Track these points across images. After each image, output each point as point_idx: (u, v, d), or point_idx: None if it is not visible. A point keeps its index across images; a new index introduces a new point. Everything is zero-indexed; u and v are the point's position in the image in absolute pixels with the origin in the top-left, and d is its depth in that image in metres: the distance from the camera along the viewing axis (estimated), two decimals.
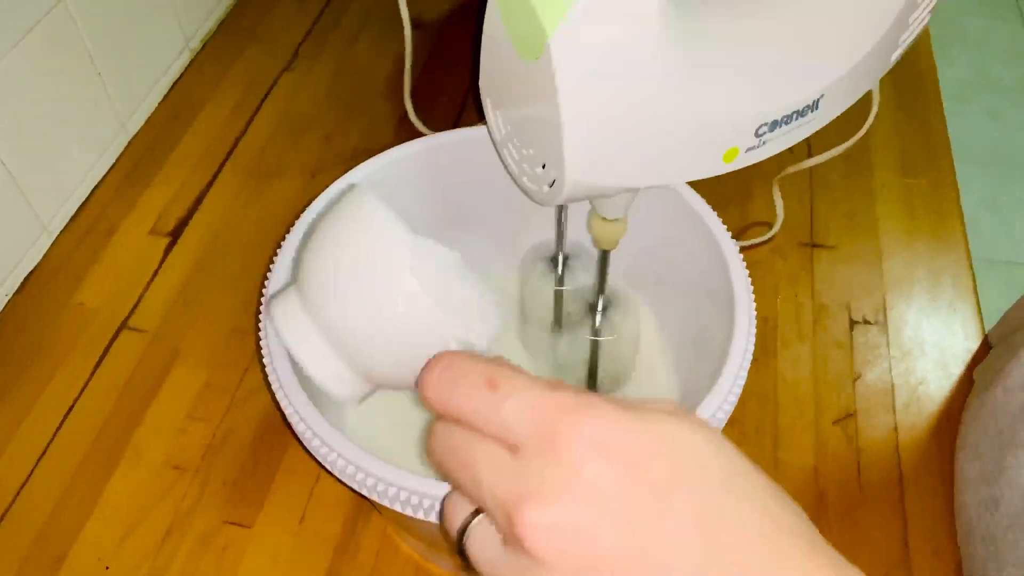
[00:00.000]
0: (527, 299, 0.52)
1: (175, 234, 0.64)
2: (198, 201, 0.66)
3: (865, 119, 0.60)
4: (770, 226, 0.63)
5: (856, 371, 0.56)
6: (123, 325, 0.58)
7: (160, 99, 0.73)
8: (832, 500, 0.50)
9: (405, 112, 0.66)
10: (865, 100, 0.44)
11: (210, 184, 0.67)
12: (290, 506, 0.50)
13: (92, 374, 0.56)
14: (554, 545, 0.23)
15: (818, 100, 0.36)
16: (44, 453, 0.52)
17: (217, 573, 0.48)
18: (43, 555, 0.48)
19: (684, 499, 0.23)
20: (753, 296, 0.40)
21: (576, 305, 0.48)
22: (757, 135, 0.35)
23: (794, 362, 0.56)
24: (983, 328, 0.59)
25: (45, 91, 0.60)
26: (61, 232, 0.64)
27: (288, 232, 0.43)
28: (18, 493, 0.51)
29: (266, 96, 0.74)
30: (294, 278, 0.40)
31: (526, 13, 0.30)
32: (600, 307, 0.46)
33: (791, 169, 0.61)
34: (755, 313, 0.40)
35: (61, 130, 0.62)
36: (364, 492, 0.34)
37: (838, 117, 0.38)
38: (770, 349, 0.57)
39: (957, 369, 0.56)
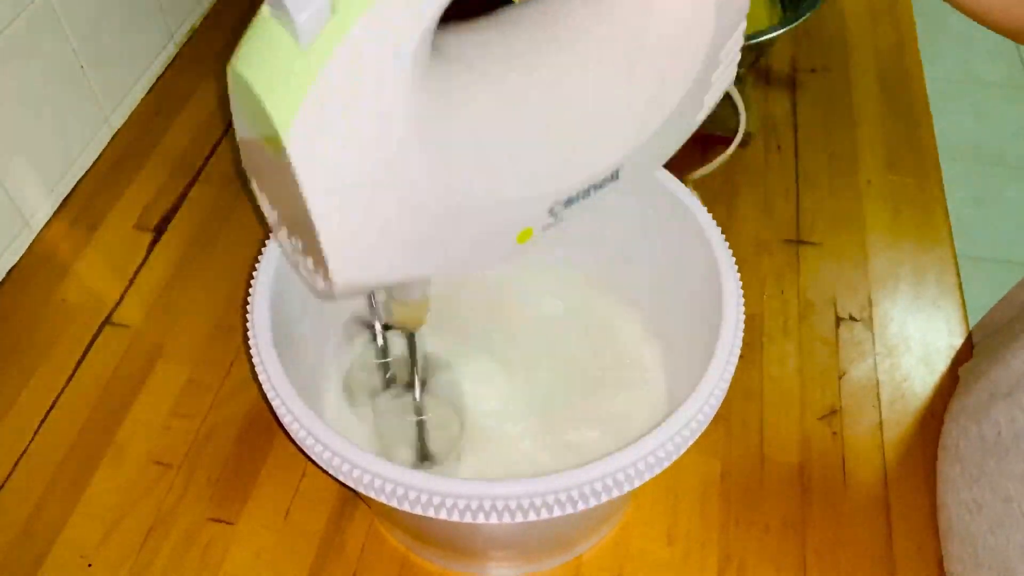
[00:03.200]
0: (349, 368, 0.49)
1: (159, 229, 0.63)
2: (182, 196, 0.65)
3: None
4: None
5: (841, 368, 0.56)
6: (106, 321, 0.58)
7: (144, 93, 0.72)
8: (817, 496, 0.50)
9: None
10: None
11: (195, 179, 0.66)
12: (274, 503, 0.50)
13: (75, 370, 0.55)
14: None
15: (618, 170, 0.33)
16: (26, 450, 0.52)
17: (201, 570, 0.47)
18: (24, 552, 0.48)
19: None
20: (742, 293, 0.40)
21: (403, 373, 0.45)
22: (551, 213, 0.32)
23: (780, 358, 0.56)
24: (967, 325, 0.59)
25: (27, 84, 0.59)
26: (43, 227, 0.63)
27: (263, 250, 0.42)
28: None
29: None
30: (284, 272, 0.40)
31: (256, 108, 0.27)
32: (418, 385, 0.43)
33: (699, 173, 0.61)
34: (743, 310, 0.40)
35: (43, 124, 0.62)
36: (351, 484, 0.34)
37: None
38: (756, 345, 0.57)
39: (941, 365, 0.56)
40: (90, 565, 0.48)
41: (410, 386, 0.43)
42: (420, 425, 0.44)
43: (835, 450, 0.52)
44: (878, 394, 0.55)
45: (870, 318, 0.59)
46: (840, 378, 0.56)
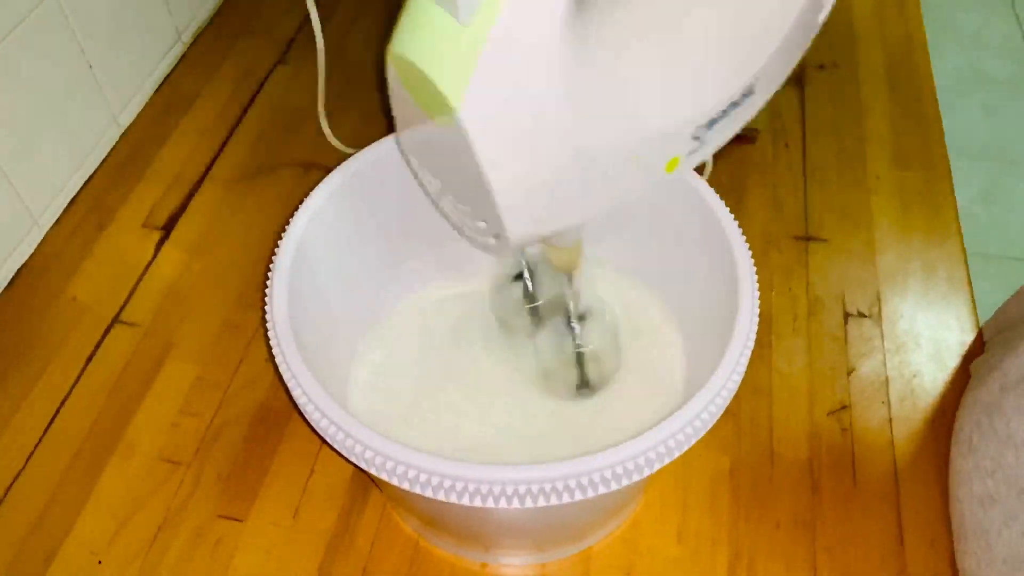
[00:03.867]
0: (502, 314, 0.51)
1: (167, 228, 0.63)
2: (191, 195, 0.65)
3: None
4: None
5: (850, 364, 0.56)
6: (115, 319, 0.58)
7: (152, 92, 0.72)
8: (827, 492, 0.50)
9: None
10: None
11: (203, 178, 0.67)
12: (284, 499, 0.50)
13: (84, 368, 0.56)
14: None
15: (752, 85, 0.34)
16: (36, 447, 0.52)
17: (210, 567, 0.48)
18: (35, 549, 0.48)
19: None
20: (757, 287, 0.40)
21: (552, 313, 0.48)
22: (696, 138, 0.34)
23: (789, 355, 0.56)
24: (977, 321, 0.59)
25: (35, 84, 0.59)
26: (52, 226, 0.63)
27: (286, 226, 0.43)
28: (10, 487, 0.50)
29: (259, 89, 0.73)
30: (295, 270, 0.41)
31: (428, 87, 0.29)
32: (577, 319, 0.46)
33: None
34: (759, 305, 0.40)
35: (52, 123, 0.62)
36: (366, 467, 0.35)
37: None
38: (765, 342, 0.57)
39: (952, 362, 0.56)
40: (100, 562, 0.48)
41: (569, 324, 0.46)
42: (581, 356, 0.47)
43: (845, 446, 0.52)
44: (888, 390, 0.55)
45: (879, 314, 0.59)
46: (849, 374, 0.55)
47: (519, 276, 0.49)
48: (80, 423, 0.53)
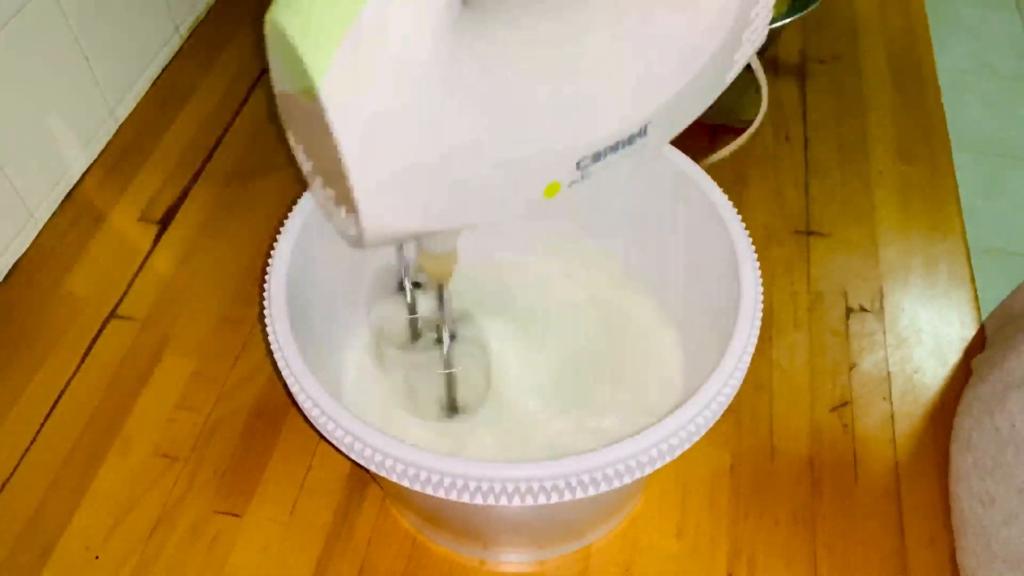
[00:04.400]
0: (378, 322, 0.49)
1: (164, 222, 0.63)
2: (187, 189, 0.65)
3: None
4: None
5: (852, 359, 0.56)
6: (112, 313, 0.58)
7: (149, 85, 0.72)
8: (828, 488, 0.50)
9: None
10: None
11: (200, 171, 0.66)
12: (281, 495, 0.50)
13: (81, 363, 0.55)
14: None
15: (645, 126, 0.33)
16: (32, 442, 0.52)
17: (207, 563, 0.47)
18: (31, 544, 0.48)
19: None
20: (761, 284, 0.39)
21: (432, 328, 0.46)
22: (579, 167, 0.32)
23: (790, 350, 0.56)
24: (979, 317, 0.58)
25: (31, 77, 0.59)
26: (49, 220, 0.63)
27: (284, 220, 0.42)
28: (6, 482, 0.50)
29: (256, 82, 0.73)
30: (295, 267, 0.40)
31: (293, 56, 0.27)
32: (447, 339, 0.44)
33: (713, 158, 0.60)
34: (762, 301, 0.39)
35: (48, 116, 0.61)
36: (365, 464, 0.34)
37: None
38: (765, 337, 0.56)
39: (953, 357, 0.56)
40: (97, 557, 0.47)
41: (439, 341, 0.44)
42: (449, 377, 0.45)
43: (846, 443, 0.52)
44: (889, 386, 0.54)
45: (881, 309, 0.58)
46: (851, 370, 0.55)
47: (400, 285, 0.47)
48: (77, 418, 0.53)
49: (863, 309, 0.58)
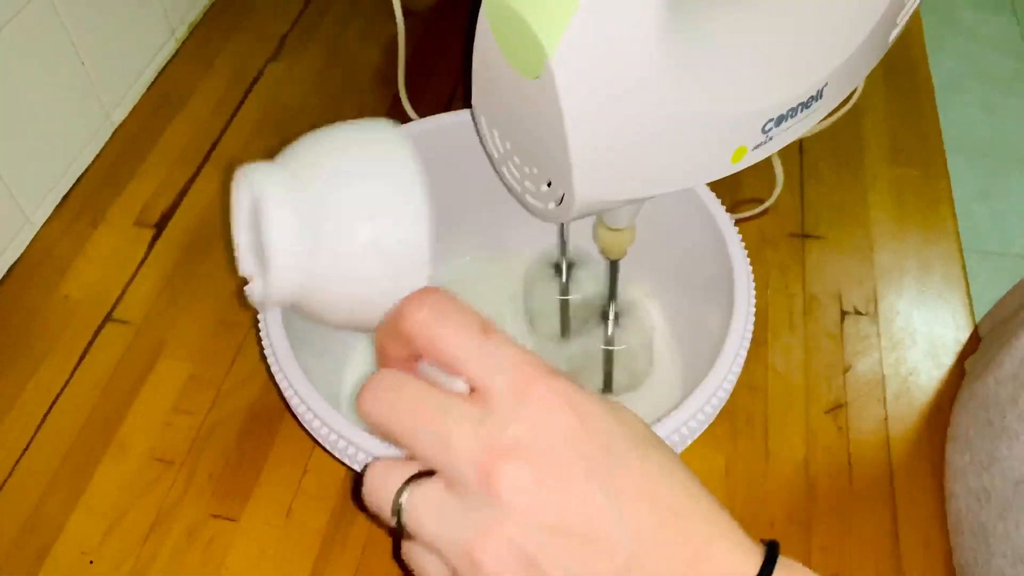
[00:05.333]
0: (532, 307, 0.51)
1: (160, 225, 0.63)
2: (183, 192, 0.65)
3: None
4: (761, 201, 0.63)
5: (847, 362, 0.56)
6: (108, 317, 0.58)
7: (145, 89, 0.72)
8: (822, 491, 0.50)
9: (394, 103, 0.65)
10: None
11: (195, 175, 0.66)
12: (277, 499, 0.50)
13: (76, 367, 0.55)
14: (527, 496, 0.23)
15: (822, 89, 0.35)
16: (28, 446, 0.52)
17: (203, 566, 0.47)
18: (26, 548, 0.48)
19: (637, 463, 0.25)
20: (754, 285, 0.40)
21: (584, 313, 0.48)
22: (764, 131, 0.34)
23: (785, 353, 0.56)
24: (973, 319, 0.58)
25: (27, 81, 0.59)
26: (44, 223, 0.63)
27: None
28: (1, 487, 0.50)
29: (252, 86, 0.73)
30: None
31: (522, 32, 0.29)
32: (612, 316, 0.45)
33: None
34: (755, 303, 0.39)
35: (44, 120, 0.61)
36: (358, 469, 0.34)
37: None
38: (760, 339, 0.56)
39: (947, 359, 0.56)
40: (92, 562, 0.47)
41: (604, 317, 0.45)
42: (610, 356, 0.46)
43: (840, 445, 0.52)
44: (884, 388, 0.55)
45: (876, 312, 0.58)
46: (845, 372, 0.55)
47: (557, 268, 0.49)
48: (72, 422, 0.53)
49: (858, 312, 0.59)
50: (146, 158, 0.67)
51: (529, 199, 0.36)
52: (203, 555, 0.48)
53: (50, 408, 0.53)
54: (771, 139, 0.35)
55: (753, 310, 0.39)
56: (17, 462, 0.51)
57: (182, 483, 0.50)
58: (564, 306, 0.49)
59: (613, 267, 0.43)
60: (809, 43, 0.35)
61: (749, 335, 0.38)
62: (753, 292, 0.39)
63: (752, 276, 0.40)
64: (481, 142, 0.38)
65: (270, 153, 0.72)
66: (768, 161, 0.61)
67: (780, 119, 0.34)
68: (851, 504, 0.49)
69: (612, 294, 0.44)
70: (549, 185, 0.34)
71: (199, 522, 0.49)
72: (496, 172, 0.38)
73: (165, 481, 0.50)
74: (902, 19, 0.38)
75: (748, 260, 0.41)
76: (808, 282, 0.60)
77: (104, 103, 0.67)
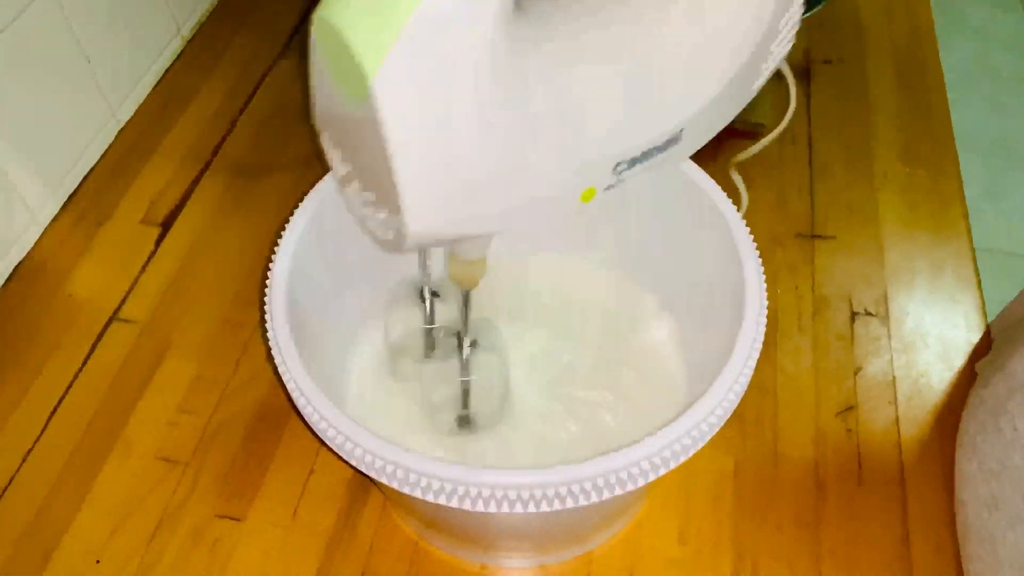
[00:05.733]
0: (394, 332, 0.49)
1: (166, 224, 0.63)
2: (190, 191, 0.65)
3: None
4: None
5: (857, 363, 0.55)
6: (113, 316, 0.58)
7: (151, 87, 0.72)
8: (832, 494, 0.49)
9: None
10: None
11: (202, 173, 0.66)
12: (283, 499, 0.49)
13: (82, 366, 0.55)
14: None
15: (679, 133, 0.33)
16: (33, 446, 0.51)
17: (208, 567, 0.47)
18: (32, 549, 0.48)
19: None
20: (765, 288, 0.39)
21: (448, 339, 0.46)
22: (615, 172, 0.32)
23: (794, 354, 0.55)
24: (985, 320, 0.58)
25: (31, 79, 0.59)
26: (51, 222, 0.63)
27: (285, 226, 0.42)
28: (7, 487, 0.50)
29: (260, 83, 0.73)
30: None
31: (346, 52, 0.27)
32: (467, 345, 0.44)
33: (742, 156, 0.60)
34: (767, 303, 0.39)
35: (50, 119, 0.61)
36: (365, 470, 0.34)
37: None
38: (770, 341, 0.56)
39: (959, 361, 0.55)
40: (98, 561, 0.47)
41: (459, 347, 0.44)
42: (466, 385, 0.45)
43: (850, 447, 0.51)
44: (895, 390, 0.54)
45: (886, 313, 0.58)
46: (856, 374, 0.55)
47: (421, 294, 0.47)
48: (77, 422, 0.53)
49: (868, 313, 0.58)
50: (152, 156, 0.67)
51: (370, 225, 0.34)
52: (209, 555, 0.47)
53: (55, 408, 0.53)
54: (623, 180, 0.33)
55: (765, 311, 0.38)
56: (22, 462, 0.51)
57: (188, 483, 0.50)
58: (427, 334, 0.48)
59: (465, 298, 0.41)
60: (665, 86, 0.33)
61: (761, 337, 0.37)
62: (765, 293, 0.39)
63: (763, 276, 0.40)
64: (327, 160, 0.36)
65: (277, 151, 0.71)
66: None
67: (633, 161, 0.32)
68: (861, 508, 0.49)
69: (464, 326, 0.43)
70: (386, 214, 0.32)
71: (204, 522, 0.49)
72: (340, 195, 0.36)
73: (170, 481, 0.50)
74: (767, 70, 0.36)
75: (759, 258, 0.40)
76: (818, 283, 0.60)
77: (110, 101, 0.67)
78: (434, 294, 0.47)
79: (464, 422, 0.46)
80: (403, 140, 0.28)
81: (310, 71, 0.32)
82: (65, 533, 0.48)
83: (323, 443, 0.35)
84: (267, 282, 0.40)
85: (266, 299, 0.39)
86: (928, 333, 0.57)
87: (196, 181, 0.66)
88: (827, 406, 0.53)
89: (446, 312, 0.47)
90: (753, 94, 0.37)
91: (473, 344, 0.44)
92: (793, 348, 0.56)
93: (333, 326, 0.47)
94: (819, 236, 0.62)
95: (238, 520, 0.49)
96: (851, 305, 0.58)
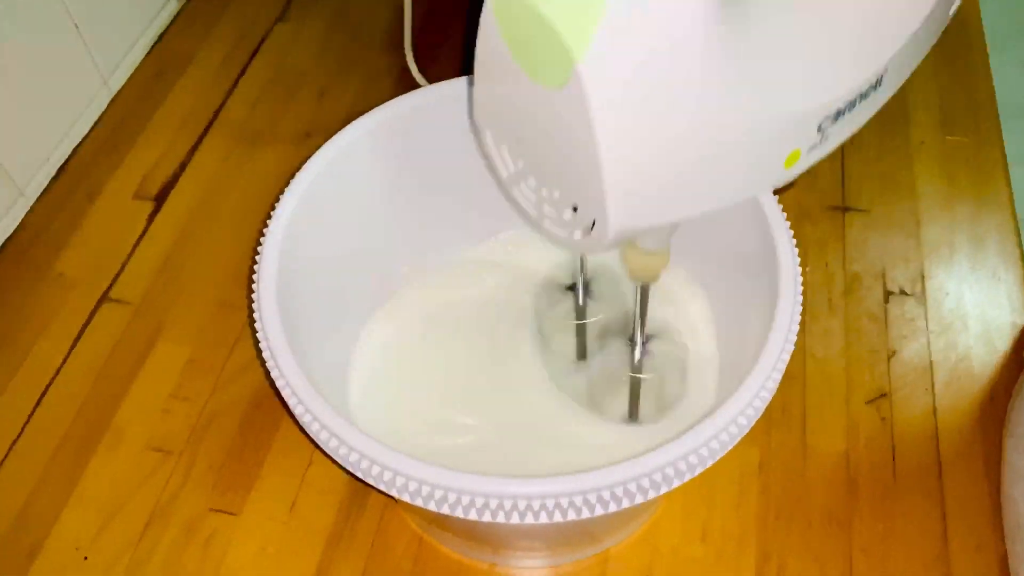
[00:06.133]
0: (546, 329, 0.47)
1: (160, 199, 0.60)
2: (184, 163, 0.62)
3: None
4: None
5: (891, 347, 0.52)
6: (104, 296, 0.55)
7: (144, 53, 0.68)
8: (864, 488, 0.46)
9: (404, 66, 0.61)
10: None
11: (197, 145, 0.63)
12: (280, 492, 0.47)
13: (71, 349, 0.52)
14: None
15: (882, 75, 0.31)
16: (19, 435, 0.49)
17: (202, 563, 0.45)
18: (17, 544, 0.45)
19: None
20: (800, 272, 0.36)
21: (604, 332, 0.44)
22: (820, 130, 0.30)
23: (824, 337, 0.52)
24: None
25: (18, 46, 0.56)
26: (39, 197, 0.60)
27: (279, 198, 0.39)
28: None
29: (257, 49, 0.69)
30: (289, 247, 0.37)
31: (542, 33, 0.25)
32: (640, 343, 0.41)
33: None
34: (801, 291, 0.35)
35: (36, 87, 0.58)
36: (370, 482, 0.31)
37: None
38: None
39: (1002, 344, 0.52)
40: (86, 558, 0.45)
41: (631, 343, 0.41)
42: (637, 384, 0.42)
43: (884, 437, 0.48)
44: (932, 376, 0.50)
45: (923, 292, 0.54)
46: (890, 358, 0.51)
47: (571, 287, 0.45)
48: (66, 409, 0.50)
49: (903, 292, 0.54)
50: (146, 127, 0.64)
51: (549, 226, 0.31)
52: (202, 551, 0.45)
53: (43, 393, 0.51)
54: (827, 138, 0.31)
55: (800, 297, 0.35)
56: (8, 452, 0.49)
57: (180, 474, 0.48)
58: (580, 330, 0.46)
59: (643, 292, 0.38)
60: (870, 23, 0.30)
61: (796, 327, 0.34)
62: (800, 279, 0.35)
63: (798, 258, 0.36)
64: (485, 158, 0.33)
65: (276, 120, 0.68)
66: None
67: (838, 114, 0.30)
68: (896, 503, 0.46)
69: (642, 322, 0.40)
70: (575, 210, 0.29)
71: (198, 516, 0.46)
72: (504, 194, 0.34)
73: (163, 472, 0.48)
74: None
75: (793, 240, 0.37)
76: (849, 259, 0.56)
77: (101, 69, 0.64)
78: (585, 288, 0.44)
79: (632, 418, 0.43)
80: (611, 125, 0.25)
81: (477, 60, 0.29)
82: (52, 528, 0.46)
83: (317, 446, 0.33)
84: (255, 267, 0.37)
85: (254, 284, 0.36)
86: (968, 314, 0.53)
87: (191, 152, 0.62)
88: (859, 393, 0.50)
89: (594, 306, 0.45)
90: (948, 21, 0.35)
91: (646, 340, 0.41)
92: (823, 330, 0.52)
93: (333, 318, 0.43)
94: (851, 209, 0.58)
95: (233, 514, 0.46)
96: (885, 283, 0.55)
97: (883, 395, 0.50)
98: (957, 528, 0.45)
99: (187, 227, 0.58)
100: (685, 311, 0.47)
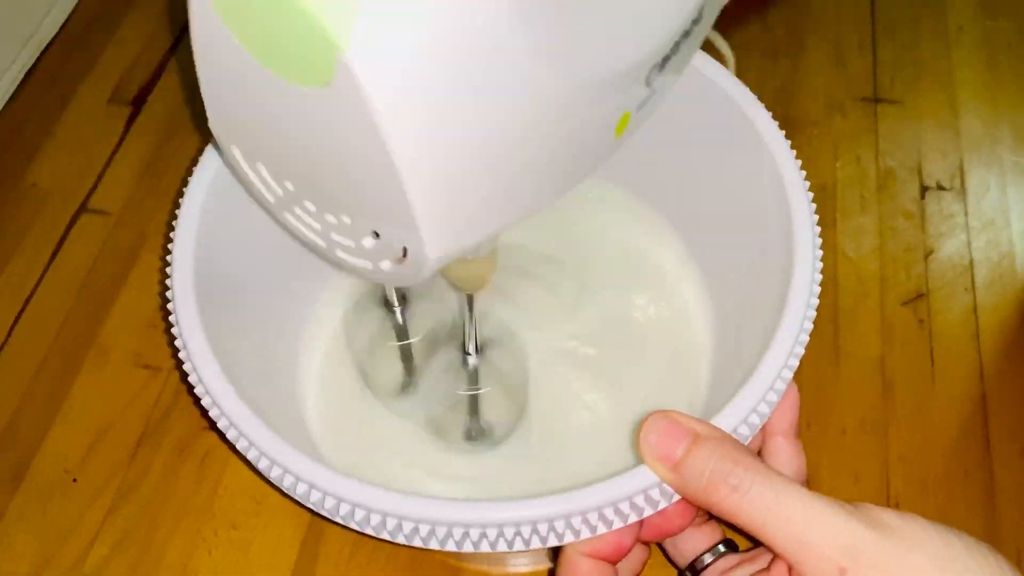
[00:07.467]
0: (362, 356, 0.41)
1: (137, 103, 0.56)
2: (163, 63, 0.57)
3: None
4: None
5: (928, 245, 0.48)
6: (82, 207, 0.51)
7: None
8: (901, 394, 0.43)
9: None
10: None
11: (177, 42, 0.58)
12: None
13: (49, 264, 0.49)
14: None
15: (701, 8, 0.25)
16: None
17: (198, 484, 0.42)
18: (1, 467, 0.43)
19: None
20: (819, 238, 0.31)
21: (434, 343, 0.38)
22: (648, 83, 0.25)
23: (856, 235, 0.48)
24: None
25: None
26: (7, 103, 0.55)
27: (190, 176, 0.35)
28: None
29: None
30: None
31: (289, 23, 0.18)
32: (474, 353, 0.36)
33: None
34: (821, 254, 0.31)
35: None
36: (325, 514, 0.27)
37: None
38: (828, 221, 0.49)
39: None
40: (75, 480, 0.42)
41: (465, 353, 0.36)
42: (474, 399, 0.37)
43: (922, 340, 0.45)
44: (972, 275, 0.47)
45: (962, 187, 0.50)
46: (927, 257, 0.48)
47: (386, 303, 0.38)
48: (47, 326, 0.47)
49: (941, 187, 0.51)
50: (121, 24, 0.59)
51: (345, 256, 0.25)
52: (197, 472, 0.42)
53: (22, 310, 0.47)
54: (655, 91, 0.26)
55: (817, 288, 0.30)
56: None
57: (171, 392, 0.45)
58: (404, 351, 0.39)
59: (470, 301, 0.33)
60: None
61: (813, 311, 0.30)
62: (818, 239, 0.31)
63: (817, 228, 0.31)
64: (240, 180, 0.26)
65: None
66: None
67: (664, 60, 0.25)
68: (934, 409, 0.43)
69: (472, 334, 0.35)
70: (377, 236, 0.23)
71: (191, 435, 0.43)
72: (277, 221, 0.26)
73: (152, 390, 0.45)
74: None
75: (811, 202, 0.32)
76: (882, 153, 0.52)
77: None
78: (403, 300, 0.38)
79: (475, 436, 0.39)
80: (405, 125, 0.19)
81: (200, 64, 0.23)
82: (37, 451, 0.43)
83: (261, 475, 0.28)
84: (170, 247, 0.32)
85: (169, 269, 0.31)
86: (1011, 208, 0.50)
87: (170, 52, 0.58)
88: (894, 294, 0.47)
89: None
90: None
91: (480, 349, 0.36)
92: (855, 228, 0.49)
93: (276, 313, 0.39)
94: (884, 100, 0.54)
95: None
96: (921, 178, 0.51)
97: (920, 296, 0.46)
98: (1000, 434, 0.42)
99: (167, 133, 0.54)
100: (679, 291, 0.42)
